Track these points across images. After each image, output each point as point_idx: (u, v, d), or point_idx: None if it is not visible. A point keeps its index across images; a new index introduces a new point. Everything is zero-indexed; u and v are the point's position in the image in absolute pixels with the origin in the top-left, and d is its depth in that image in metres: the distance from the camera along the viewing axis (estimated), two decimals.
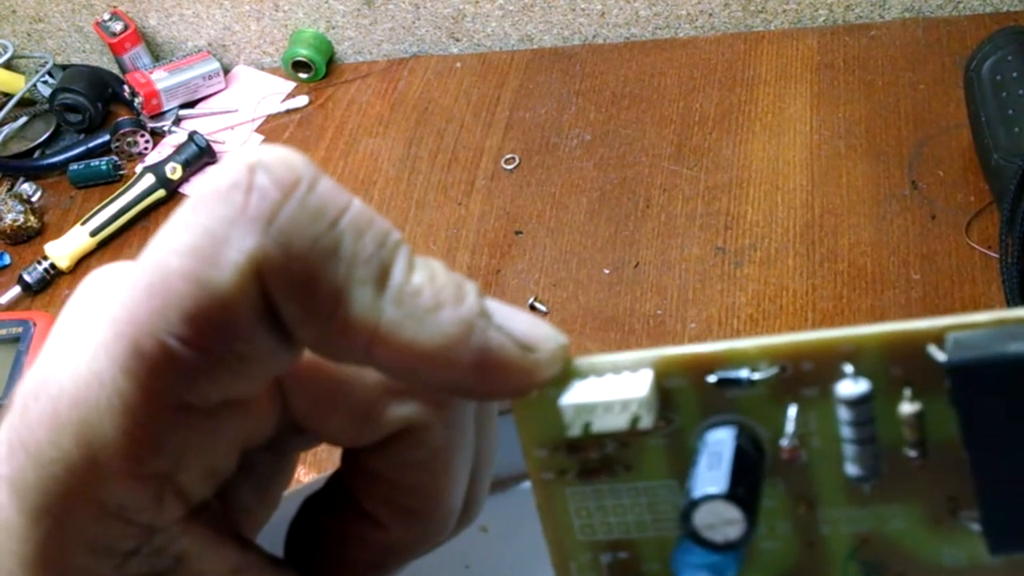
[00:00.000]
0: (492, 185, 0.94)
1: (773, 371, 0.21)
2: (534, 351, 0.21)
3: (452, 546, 0.26)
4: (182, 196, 1.01)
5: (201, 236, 0.19)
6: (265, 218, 0.19)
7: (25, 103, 1.12)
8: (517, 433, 0.22)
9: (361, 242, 0.20)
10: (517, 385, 0.21)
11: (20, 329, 0.83)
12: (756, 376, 0.21)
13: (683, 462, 0.22)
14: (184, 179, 1.01)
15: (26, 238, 1.01)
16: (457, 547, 0.27)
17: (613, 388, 0.21)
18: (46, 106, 1.11)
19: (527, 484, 0.28)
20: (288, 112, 1.07)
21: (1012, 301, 0.73)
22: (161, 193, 1.00)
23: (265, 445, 0.22)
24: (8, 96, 1.11)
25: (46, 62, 1.14)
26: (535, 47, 1.06)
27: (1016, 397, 0.19)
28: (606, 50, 1.03)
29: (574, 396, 0.21)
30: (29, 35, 1.17)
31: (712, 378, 0.21)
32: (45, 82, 1.13)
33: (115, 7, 1.11)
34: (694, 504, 0.20)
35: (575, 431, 0.21)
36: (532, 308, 0.84)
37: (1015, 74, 0.80)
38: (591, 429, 0.21)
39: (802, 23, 1.00)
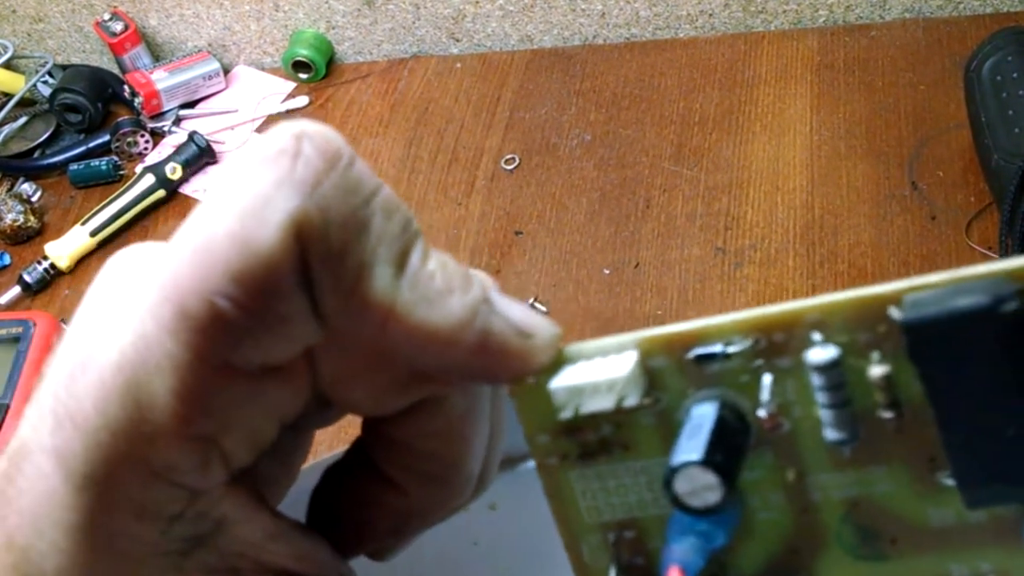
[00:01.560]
0: (492, 185, 0.94)
1: (747, 344, 0.22)
2: (531, 337, 0.22)
3: (460, 523, 0.27)
4: (182, 196, 1.01)
5: (247, 198, 0.20)
6: (309, 183, 0.20)
7: (25, 103, 1.12)
8: (519, 421, 0.23)
9: (389, 223, 0.21)
10: (515, 368, 0.22)
11: (20, 329, 0.83)
12: (731, 349, 0.22)
13: (674, 439, 0.22)
14: (184, 179, 1.01)
15: (26, 238, 1.01)
16: (465, 524, 0.27)
17: (599, 370, 0.22)
18: (46, 106, 1.11)
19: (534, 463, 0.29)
20: (288, 112, 1.07)
21: None
22: (161, 193, 1.00)
23: (295, 419, 0.23)
24: (8, 96, 1.11)
25: (46, 62, 1.14)
26: (535, 47, 1.06)
27: (968, 349, 0.20)
28: (606, 50, 1.03)
29: (564, 380, 0.23)
30: (29, 35, 1.17)
31: (691, 355, 0.22)
32: (45, 82, 1.13)
33: (115, 7, 1.11)
34: (673, 471, 0.21)
35: (567, 413, 0.23)
36: (532, 308, 0.83)
37: (1015, 74, 0.80)
38: (581, 410, 0.23)
39: (802, 23, 1.00)
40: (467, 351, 0.21)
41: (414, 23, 1.08)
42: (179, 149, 1.02)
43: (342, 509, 0.25)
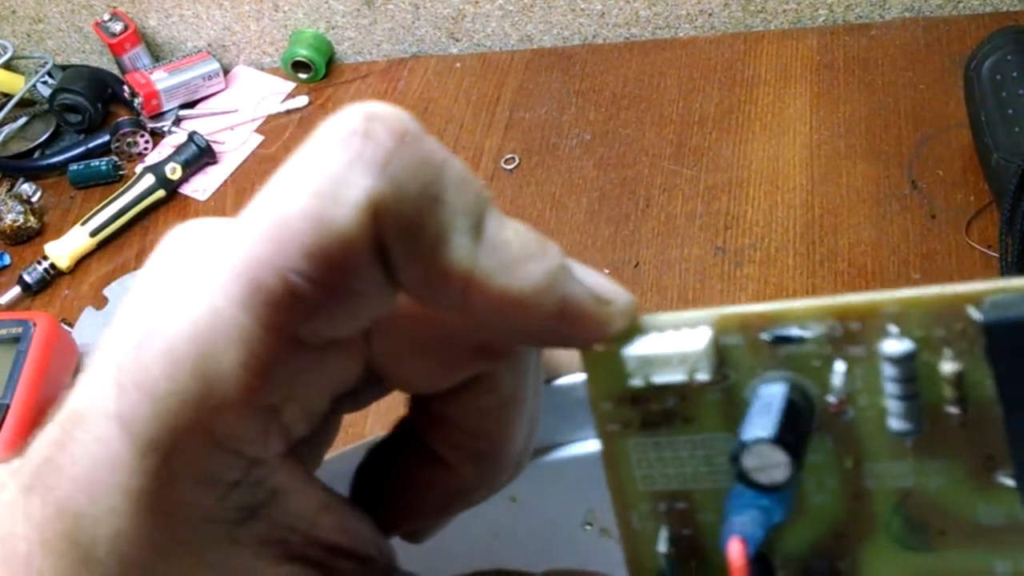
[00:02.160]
0: (492, 185, 0.94)
1: (823, 330, 0.22)
2: (609, 304, 0.23)
3: (481, 515, 0.27)
4: (182, 196, 1.01)
5: (321, 178, 0.20)
6: (381, 162, 0.20)
7: (25, 103, 1.12)
8: (587, 386, 0.24)
9: (461, 193, 0.21)
10: (592, 333, 0.23)
11: (20, 329, 0.83)
12: (807, 334, 0.22)
13: (738, 416, 0.23)
14: (184, 179, 1.01)
15: (26, 238, 1.01)
16: (485, 516, 0.28)
17: (673, 343, 0.23)
18: (46, 106, 1.11)
19: (557, 455, 0.30)
20: (288, 112, 1.07)
21: None
22: (161, 193, 1.00)
23: (342, 394, 0.23)
24: (8, 96, 1.11)
25: (46, 62, 1.14)
26: (535, 47, 1.06)
27: None
28: (606, 50, 1.03)
29: (638, 349, 0.23)
30: (29, 35, 1.17)
31: (766, 336, 0.23)
32: (45, 82, 1.13)
33: (115, 8, 1.11)
34: (743, 446, 0.22)
35: (637, 381, 0.23)
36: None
37: (1015, 74, 0.80)
38: (652, 380, 0.23)
39: (802, 23, 1.00)
40: (546, 316, 0.22)
41: (414, 23, 1.08)
42: (179, 149, 1.02)
43: (388, 487, 0.25)
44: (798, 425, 0.22)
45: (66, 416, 0.21)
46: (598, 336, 0.23)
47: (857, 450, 0.23)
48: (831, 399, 0.22)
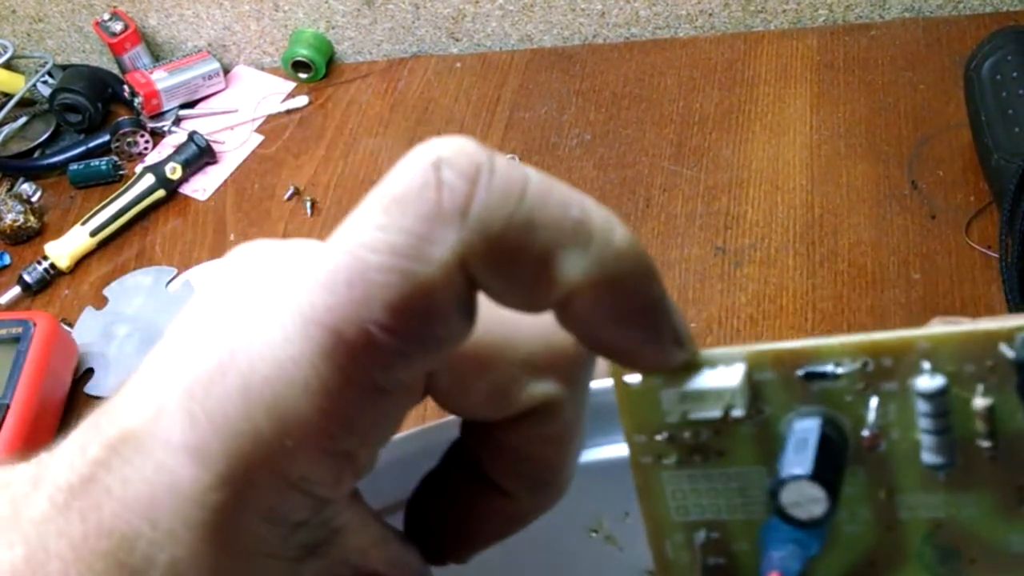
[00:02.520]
0: None
1: (856, 366, 0.23)
2: (686, 345, 0.23)
3: None
4: (182, 196, 1.01)
5: (403, 236, 0.20)
6: (461, 211, 0.20)
7: (25, 103, 1.12)
8: (620, 419, 0.24)
9: (551, 210, 0.21)
10: (661, 364, 0.23)
11: (20, 329, 0.83)
12: (840, 370, 0.23)
13: (772, 450, 0.23)
14: (184, 179, 1.01)
15: (26, 238, 1.01)
16: None
17: (709, 379, 0.23)
18: (46, 106, 1.11)
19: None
20: (288, 112, 1.07)
21: (1012, 301, 0.73)
22: (161, 193, 1.00)
23: None
24: (8, 96, 1.11)
25: (46, 62, 1.14)
26: (535, 47, 1.06)
27: None
28: (606, 50, 1.03)
29: (674, 385, 0.23)
30: (29, 35, 1.17)
31: (800, 372, 0.23)
32: (45, 82, 1.13)
33: (115, 7, 1.11)
34: (782, 483, 0.22)
35: (673, 418, 0.23)
36: None
37: (1015, 74, 0.80)
38: (688, 416, 0.23)
39: (802, 23, 1.00)
40: (644, 339, 0.22)
41: (414, 23, 1.08)
42: (179, 149, 1.02)
43: (443, 517, 0.25)
44: (834, 460, 0.23)
45: (116, 436, 0.21)
46: (663, 367, 0.23)
47: (890, 482, 0.23)
48: (865, 433, 0.23)
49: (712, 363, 0.23)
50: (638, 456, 0.24)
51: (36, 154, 1.09)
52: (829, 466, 0.22)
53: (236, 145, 1.05)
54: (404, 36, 1.09)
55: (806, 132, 0.90)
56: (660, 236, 0.86)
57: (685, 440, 0.24)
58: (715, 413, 0.23)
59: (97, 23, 1.10)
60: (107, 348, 0.89)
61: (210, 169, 1.03)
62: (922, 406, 0.22)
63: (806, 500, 0.22)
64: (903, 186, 0.84)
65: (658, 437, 0.24)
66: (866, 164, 0.87)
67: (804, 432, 0.23)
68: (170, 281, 0.93)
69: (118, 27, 1.09)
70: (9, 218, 0.99)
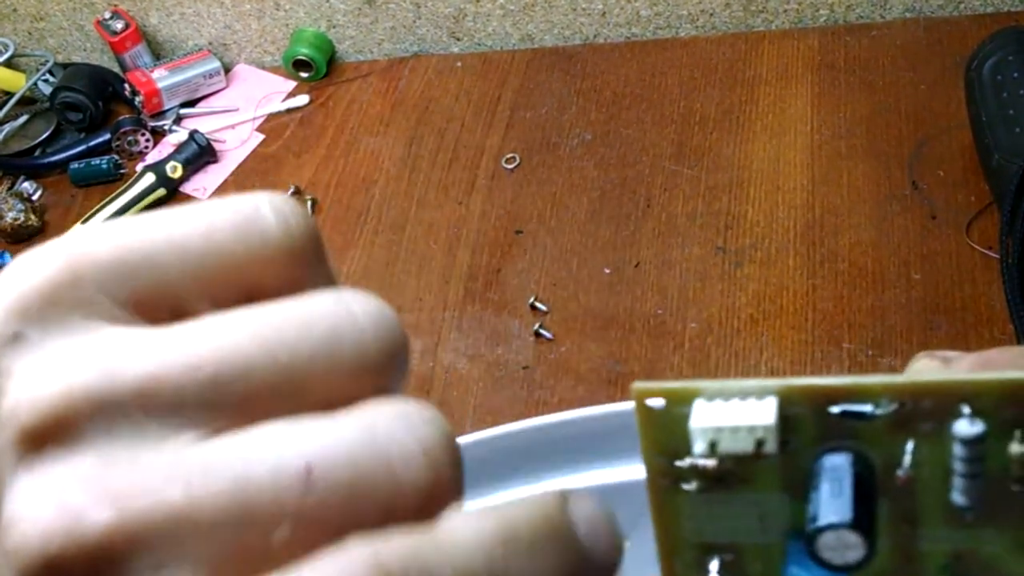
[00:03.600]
0: (493, 184, 0.94)
1: (894, 406, 0.22)
2: None
3: None
4: (183, 195, 1.01)
5: None
6: None
7: (26, 101, 1.12)
8: (640, 440, 0.24)
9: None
10: None
11: None
12: (879, 411, 0.22)
13: (796, 479, 0.23)
14: (185, 178, 1.01)
15: (27, 237, 1.01)
16: None
17: (740, 413, 0.23)
18: (47, 104, 1.11)
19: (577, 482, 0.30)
20: (289, 111, 1.07)
21: (1012, 301, 0.73)
22: (161, 192, 1.00)
23: None
24: (9, 94, 1.11)
25: (47, 60, 1.14)
26: (536, 47, 1.06)
27: None
28: (607, 50, 1.03)
29: (703, 418, 0.23)
30: (30, 33, 1.17)
31: (835, 409, 0.23)
32: (46, 80, 1.13)
33: (116, 6, 1.11)
34: (820, 530, 0.22)
35: (701, 448, 0.23)
36: (532, 308, 0.84)
37: (1016, 74, 0.80)
38: (717, 449, 0.23)
39: (803, 23, 1.00)
40: None
41: (415, 22, 1.08)
42: (180, 148, 1.02)
43: None
44: (868, 503, 0.22)
45: None
46: None
47: (915, 517, 0.23)
48: (900, 474, 0.23)
49: (744, 395, 0.23)
50: (656, 478, 0.24)
51: (37, 153, 1.09)
52: (865, 511, 0.22)
53: (237, 144, 1.05)
54: (405, 35, 1.09)
55: (807, 132, 0.90)
56: (661, 236, 0.86)
57: (709, 469, 0.23)
58: (746, 448, 0.23)
59: (98, 21, 1.10)
60: None
61: (211, 168, 1.03)
62: (958, 450, 0.22)
63: (843, 546, 0.22)
64: (904, 186, 0.84)
65: (679, 463, 0.24)
66: (867, 164, 0.87)
67: (837, 471, 0.22)
68: None
69: (119, 25, 1.09)
70: (10, 217, 0.99)
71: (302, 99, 1.07)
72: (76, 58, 1.18)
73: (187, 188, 1.02)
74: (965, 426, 0.22)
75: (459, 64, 1.06)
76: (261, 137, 1.05)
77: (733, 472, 0.23)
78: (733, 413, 0.23)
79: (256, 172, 1.02)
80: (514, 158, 0.95)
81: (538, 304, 0.84)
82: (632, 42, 1.04)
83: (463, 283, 0.87)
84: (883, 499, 0.23)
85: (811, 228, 0.84)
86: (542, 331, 0.82)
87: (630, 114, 0.96)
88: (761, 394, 0.23)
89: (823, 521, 0.22)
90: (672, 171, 0.91)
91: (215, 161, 1.03)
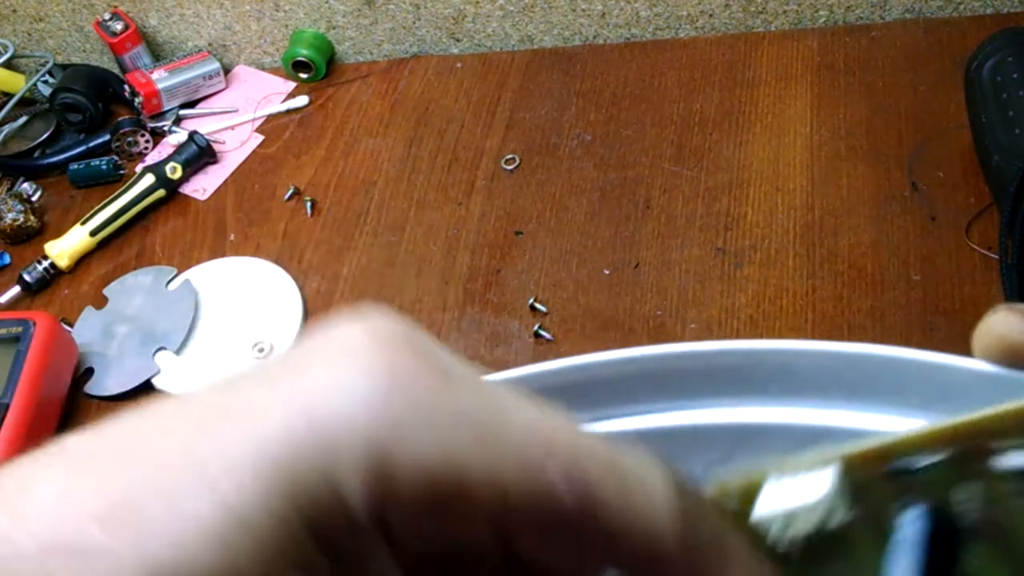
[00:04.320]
0: (492, 185, 0.94)
1: (946, 454, 0.22)
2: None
3: None
4: (182, 196, 1.01)
5: None
6: None
7: (25, 102, 1.12)
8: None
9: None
10: None
11: (20, 329, 0.83)
12: (927, 462, 0.22)
13: (881, 540, 0.23)
14: (184, 179, 1.01)
15: (26, 237, 1.01)
16: None
17: (801, 491, 0.23)
18: (46, 105, 1.11)
19: None
20: (288, 112, 1.07)
21: (1012, 302, 0.73)
22: (161, 193, 1.00)
23: None
24: (8, 96, 1.11)
25: (46, 61, 1.14)
26: (536, 47, 1.06)
27: None
28: (607, 51, 1.03)
29: (766, 507, 0.23)
30: (29, 34, 1.17)
31: (889, 468, 0.23)
32: (45, 81, 1.13)
33: (115, 7, 1.11)
34: None
35: (775, 534, 0.23)
36: (532, 309, 0.84)
37: (1015, 75, 0.80)
38: (790, 532, 0.23)
39: (802, 24, 1.00)
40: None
41: (414, 23, 1.08)
42: (179, 149, 1.02)
43: None
44: (945, 558, 0.22)
45: None
46: None
47: (1016, 554, 0.23)
48: (976, 515, 0.22)
49: (797, 470, 0.23)
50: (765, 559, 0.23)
51: (36, 153, 1.09)
52: (939, 570, 0.22)
53: (236, 145, 1.05)
54: (405, 36, 1.09)
55: (806, 133, 0.90)
56: (660, 237, 0.86)
57: (794, 554, 0.23)
58: (815, 522, 0.23)
59: (97, 23, 1.10)
60: (107, 348, 0.89)
61: (210, 169, 1.03)
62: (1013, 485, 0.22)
63: None
64: (903, 187, 0.84)
65: (765, 554, 0.23)
66: (866, 165, 0.87)
67: (908, 533, 0.22)
68: (170, 281, 0.93)
69: (118, 27, 1.09)
70: (9, 217, 0.99)
71: (302, 100, 1.07)
72: (76, 59, 1.18)
73: (186, 189, 1.02)
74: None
75: (459, 65, 1.06)
76: (261, 138, 1.05)
77: (825, 548, 0.23)
78: (794, 493, 0.23)
79: (256, 173, 1.02)
80: (514, 159, 0.95)
81: (538, 305, 0.84)
82: (632, 43, 1.04)
83: (463, 284, 0.87)
84: (978, 541, 0.22)
85: (811, 229, 0.84)
86: (542, 332, 0.82)
87: (629, 115, 0.96)
88: (818, 466, 0.23)
89: None
90: (672, 172, 0.91)
91: (215, 162, 1.03)
